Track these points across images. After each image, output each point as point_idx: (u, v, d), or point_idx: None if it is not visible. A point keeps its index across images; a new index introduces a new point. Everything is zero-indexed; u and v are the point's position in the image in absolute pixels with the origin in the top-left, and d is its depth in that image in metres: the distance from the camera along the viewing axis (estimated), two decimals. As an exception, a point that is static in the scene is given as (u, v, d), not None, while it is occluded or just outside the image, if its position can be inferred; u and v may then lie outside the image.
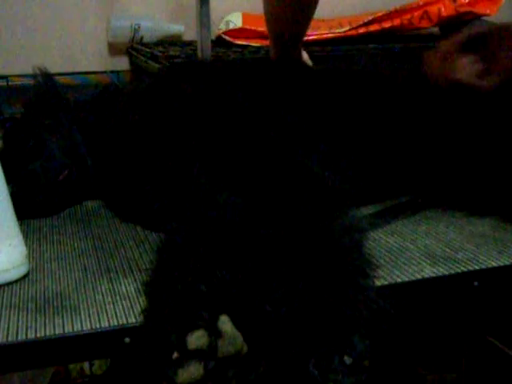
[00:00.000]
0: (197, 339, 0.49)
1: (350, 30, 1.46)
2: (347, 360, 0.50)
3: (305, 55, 1.11)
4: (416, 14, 1.48)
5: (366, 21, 1.46)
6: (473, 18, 1.47)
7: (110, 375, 1.24)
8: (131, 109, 0.89)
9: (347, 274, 0.55)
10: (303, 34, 1.04)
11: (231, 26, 1.51)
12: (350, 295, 0.53)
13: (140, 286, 0.65)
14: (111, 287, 0.66)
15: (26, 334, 0.57)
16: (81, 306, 0.62)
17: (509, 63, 0.62)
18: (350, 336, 0.51)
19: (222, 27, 1.53)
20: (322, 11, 1.64)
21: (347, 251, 0.58)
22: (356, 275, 0.56)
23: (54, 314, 0.60)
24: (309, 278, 0.54)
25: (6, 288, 0.66)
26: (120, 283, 0.67)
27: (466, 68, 0.65)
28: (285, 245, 0.57)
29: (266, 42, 1.45)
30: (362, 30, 1.46)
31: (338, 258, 0.56)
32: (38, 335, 0.57)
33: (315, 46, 1.37)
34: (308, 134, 0.81)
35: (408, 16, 1.48)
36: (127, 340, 0.58)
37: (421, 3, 1.48)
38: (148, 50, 1.38)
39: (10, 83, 1.42)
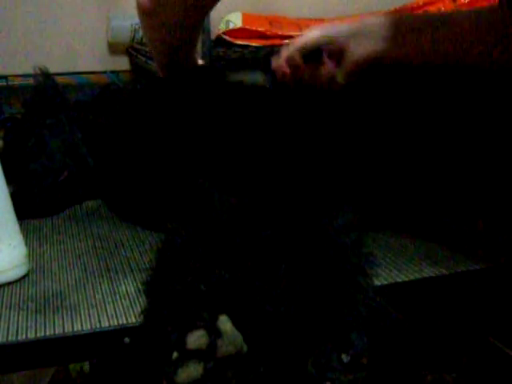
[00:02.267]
0: (196, 339, 0.49)
1: (350, 29, 1.46)
2: (345, 358, 0.50)
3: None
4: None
5: (366, 21, 1.46)
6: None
7: (94, 374, 1.24)
8: (131, 109, 0.89)
9: (346, 273, 0.55)
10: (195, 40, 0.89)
11: (231, 26, 1.51)
12: (349, 294, 0.53)
13: (140, 286, 0.65)
14: (111, 287, 0.66)
15: (26, 334, 0.57)
16: (81, 306, 0.62)
17: (348, 66, 0.76)
18: (349, 334, 0.51)
19: (222, 27, 1.53)
20: (322, 11, 1.64)
21: (346, 250, 0.58)
22: (355, 274, 0.56)
23: (53, 313, 0.60)
24: (308, 277, 0.54)
25: (5, 288, 0.66)
26: (120, 283, 0.67)
27: (313, 75, 0.78)
28: (284, 244, 0.57)
29: (266, 42, 1.45)
30: (362, 30, 1.46)
31: (336, 257, 0.56)
32: (38, 335, 0.57)
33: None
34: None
35: (408, 16, 1.47)
36: (127, 340, 0.58)
37: (421, 3, 1.48)
38: (148, 50, 1.38)
39: (9, 83, 1.42)
